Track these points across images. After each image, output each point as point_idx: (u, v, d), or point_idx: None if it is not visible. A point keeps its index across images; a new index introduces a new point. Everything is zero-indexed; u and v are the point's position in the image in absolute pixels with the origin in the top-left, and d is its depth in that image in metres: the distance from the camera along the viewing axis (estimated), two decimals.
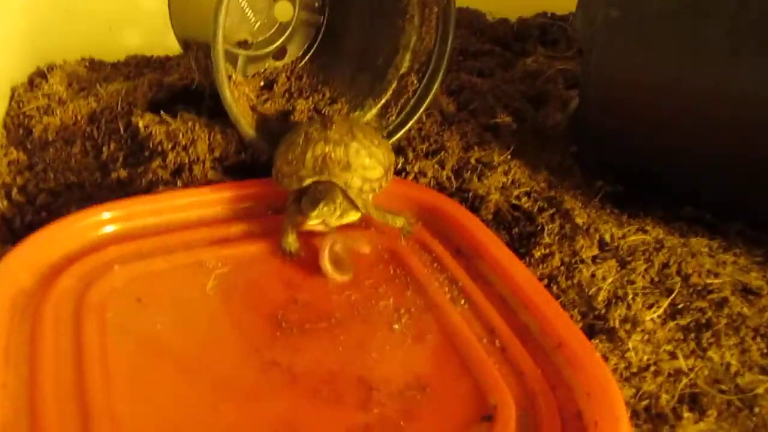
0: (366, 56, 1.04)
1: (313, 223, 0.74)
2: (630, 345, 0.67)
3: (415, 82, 0.98)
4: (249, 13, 1.05)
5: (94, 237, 0.74)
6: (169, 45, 1.16)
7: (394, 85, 1.00)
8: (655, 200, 0.88)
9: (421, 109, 0.97)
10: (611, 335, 0.69)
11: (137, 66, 1.18)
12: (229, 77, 0.85)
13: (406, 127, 0.97)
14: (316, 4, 1.10)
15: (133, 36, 1.23)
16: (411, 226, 0.79)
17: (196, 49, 0.89)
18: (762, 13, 0.69)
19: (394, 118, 0.98)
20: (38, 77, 1.10)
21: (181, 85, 1.01)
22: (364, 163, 0.77)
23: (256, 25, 1.07)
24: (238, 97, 0.88)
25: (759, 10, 0.70)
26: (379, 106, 1.00)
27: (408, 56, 0.99)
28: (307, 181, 0.75)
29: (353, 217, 0.78)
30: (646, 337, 0.69)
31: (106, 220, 0.75)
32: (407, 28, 0.99)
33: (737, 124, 0.74)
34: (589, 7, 0.79)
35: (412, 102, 0.98)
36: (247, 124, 0.85)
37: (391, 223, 0.78)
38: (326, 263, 0.72)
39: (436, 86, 0.98)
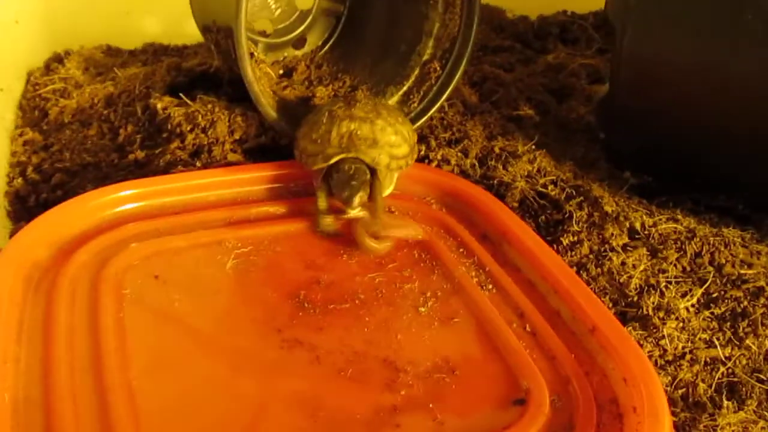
0: (388, 44, 1.02)
1: (355, 212, 0.73)
2: (665, 332, 0.65)
3: (438, 69, 0.96)
4: (270, 0, 1.04)
5: (111, 215, 0.72)
6: (187, 33, 1.14)
7: (416, 72, 0.98)
8: (684, 191, 0.86)
9: (444, 96, 0.95)
10: (645, 322, 0.66)
11: (155, 53, 1.16)
12: (251, 55, 0.83)
13: (428, 114, 0.94)
14: None
15: (151, 24, 1.22)
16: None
17: (216, 31, 0.87)
18: None
19: (416, 105, 0.96)
20: (54, 62, 1.09)
21: (199, 70, 1.00)
22: (390, 140, 0.75)
23: (277, 12, 1.05)
24: (260, 77, 0.86)
25: None
26: (400, 93, 0.97)
27: (431, 43, 0.97)
28: (334, 159, 0.73)
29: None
30: (681, 325, 0.66)
31: (123, 197, 0.73)
32: (431, 14, 0.97)
33: None
34: None
35: (434, 89, 0.96)
36: (268, 104, 0.83)
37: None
38: (363, 237, 0.71)
39: (459, 73, 0.95)
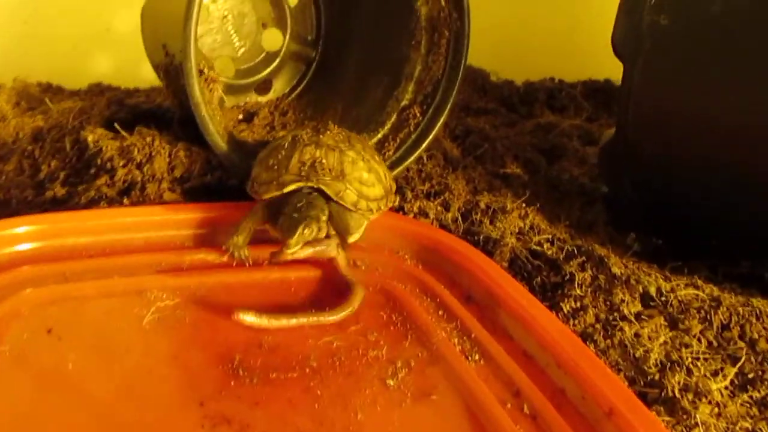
0: (362, 90, 0.91)
1: (292, 251, 0.59)
2: (698, 419, 0.51)
3: (418, 115, 0.85)
4: (233, 36, 0.93)
5: (5, 254, 0.58)
6: (140, 76, 1.03)
7: (393, 119, 0.86)
8: (698, 255, 0.73)
9: (424, 144, 0.84)
10: (672, 406, 0.53)
11: (100, 93, 1.04)
12: (201, 71, 0.71)
13: (406, 163, 0.83)
14: (309, 37, 0.97)
15: (100, 63, 1.10)
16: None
17: (166, 55, 0.75)
18: None
19: (391, 153, 0.84)
20: None
21: (145, 107, 0.87)
22: (361, 176, 0.63)
23: (240, 51, 0.94)
24: (210, 101, 0.73)
25: None
26: (374, 141, 0.86)
27: (411, 87, 0.86)
28: (289, 187, 0.61)
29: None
30: (716, 410, 0.53)
31: (21, 234, 0.60)
32: (412, 56, 0.86)
33: None
34: (633, 12, 0.66)
35: (413, 136, 0.84)
36: (217, 132, 0.70)
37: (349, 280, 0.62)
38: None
39: (442, 120, 0.84)
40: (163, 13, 0.80)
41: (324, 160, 0.62)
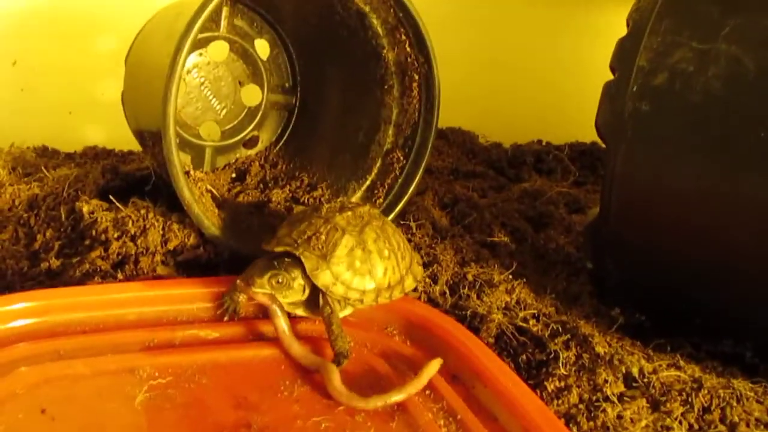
0: (345, 135, 0.93)
1: (256, 290, 0.63)
2: None
3: (402, 158, 0.87)
4: (213, 101, 0.95)
5: (0, 331, 0.58)
6: (133, 140, 1.04)
7: (378, 164, 0.89)
8: (683, 334, 0.75)
9: (412, 188, 0.86)
10: None
11: (96, 157, 1.06)
12: (187, 173, 0.73)
13: (397, 209, 0.85)
14: (287, 84, 1.00)
15: (93, 128, 1.12)
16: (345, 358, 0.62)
17: (152, 143, 0.78)
18: None
19: (381, 200, 0.86)
20: None
21: (139, 175, 0.89)
22: (353, 263, 0.66)
23: (223, 113, 0.97)
24: (200, 196, 0.76)
25: None
26: (363, 188, 0.88)
27: (391, 131, 0.89)
28: (279, 248, 0.64)
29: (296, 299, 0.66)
30: None
31: (17, 311, 0.60)
32: (387, 100, 0.89)
33: None
34: (615, 99, 0.68)
35: (400, 180, 0.87)
36: (212, 225, 0.73)
37: (331, 341, 0.64)
38: (338, 385, 0.58)
39: (424, 161, 0.87)
40: (141, 106, 0.82)
41: (322, 237, 0.64)
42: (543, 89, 1.47)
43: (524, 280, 0.81)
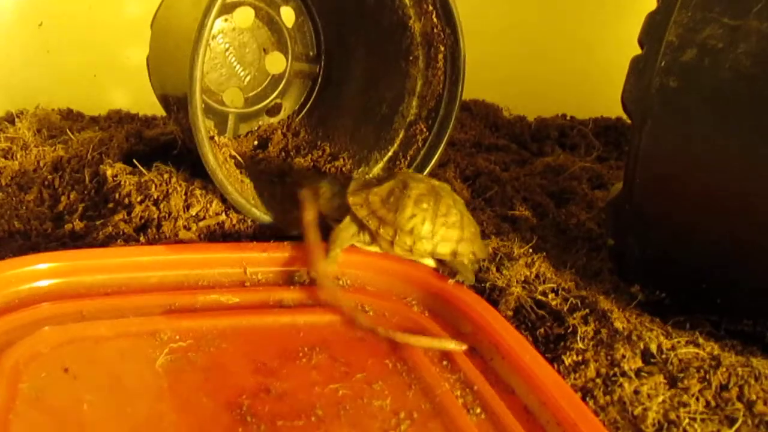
0: (369, 105, 0.93)
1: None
2: None
3: (425, 130, 0.87)
4: (237, 67, 0.95)
5: (25, 290, 0.60)
6: (157, 105, 1.05)
7: (401, 135, 0.89)
8: (703, 312, 0.74)
9: (434, 160, 0.87)
10: None
11: (120, 121, 1.06)
12: (212, 138, 0.73)
13: None
14: (311, 53, 1.00)
15: (118, 90, 1.13)
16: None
17: (177, 108, 0.78)
18: None
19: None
20: (5, 121, 0.98)
21: (163, 140, 0.89)
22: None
23: (247, 80, 0.96)
24: (224, 161, 0.76)
25: None
26: (385, 159, 0.88)
27: (415, 102, 0.89)
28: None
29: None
30: None
31: (42, 271, 0.61)
32: (412, 72, 0.89)
33: None
34: (642, 74, 0.67)
35: (422, 152, 0.87)
36: (235, 191, 0.73)
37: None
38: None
39: (447, 134, 0.87)
40: (166, 72, 0.82)
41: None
42: (569, 63, 1.46)
43: (544, 254, 0.81)
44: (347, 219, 0.73)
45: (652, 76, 0.67)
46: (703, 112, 0.65)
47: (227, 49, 0.96)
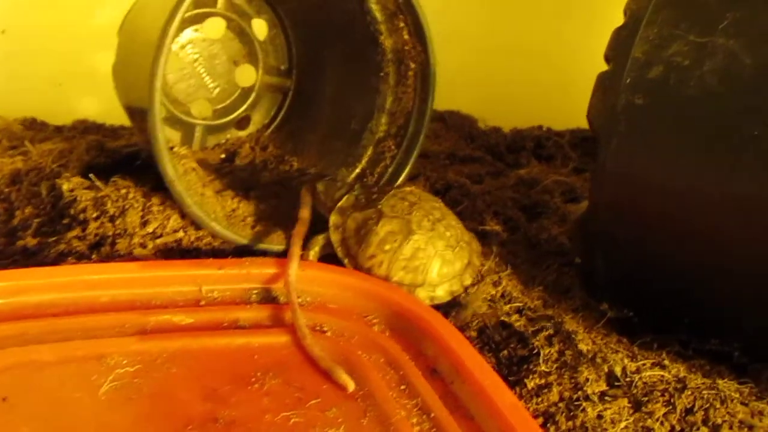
0: (338, 121, 0.92)
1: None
2: None
3: (393, 147, 0.86)
4: (206, 78, 0.93)
5: None
6: (124, 114, 1.03)
7: (369, 152, 0.88)
8: (670, 332, 0.73)
9: (401, 178, 0.85)
10: None
11: (85, 131, 1.04)
12: (171, 148, 0.71)
13: None
14: (282, 67, 0.98)
15: (85, 100, 1.10)
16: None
17: (140, 118, 0.76)
18: None
19: None
20: None
21: (126, 152, 0.87)
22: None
23: (215, 91, 0.95)
24: (184, 173, 0.74)
25: None
26: (353, 175, 0.86)
27: (384, 119, 0.88)
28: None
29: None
30: None
31: None
32: (382, 88, 0.87)
33: None
34: (608, 91, 0.66)
35: (390, 170, 0.86)
36: (194, 203, 0.71)
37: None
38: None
39: (416, 151, 0.87)
40: (131, 79, 0.81)
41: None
42: (545, 74, 1.44)
43: (513, 271, 0.80)
44: (326, 233, 0.74)
45: (618, 93, 0.66)
46: (668, 131, 0.64)
47: (196, 60, 0.95)
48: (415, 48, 0.85)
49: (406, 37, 0.85)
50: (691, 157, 0.63)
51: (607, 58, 0.67)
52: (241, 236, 0.74)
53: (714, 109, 0.62)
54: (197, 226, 0.73)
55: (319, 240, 0.75)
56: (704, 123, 0.63)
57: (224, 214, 0.78)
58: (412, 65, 0.85)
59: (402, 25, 0.84)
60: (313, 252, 0.74)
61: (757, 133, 0.59)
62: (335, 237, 0.74)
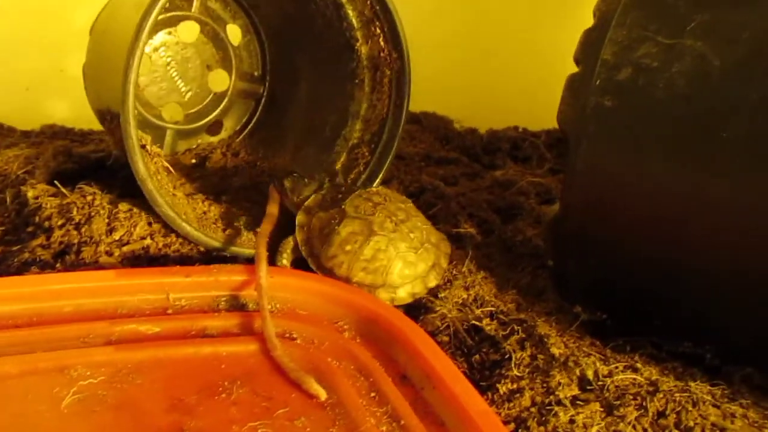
0: (312, 128, 0.91)
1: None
2: None
3: (367, 154, 0.85)
4: (179, 82, 0.92)
5: None
6: (94, 118, 1.01)
7: (343, 158, 0.87)
8: (642, 333, 0.73)
9: (375, 184, 0.84)
10: None
11: (53, 136, 1.02)
12: (143, 146, 0.70)
13: None
14: (256, 73, 0.97)
15: (54, 104, 1.08)
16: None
17: (110, 118, 0.75)
18: None
19: None
20: None
21: (94, 157, 0.86)
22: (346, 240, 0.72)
23: (187, 95, 0.94)
24: (156, 172, 0.73)
25: None
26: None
27: (358, 125, 0.87)
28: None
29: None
30: None
31: None
32: (357, 95, 0.87)
33: (753, 242, 0.60)
34: (578, 93, 0.65)
35: (363, 177, 0.85)
36: (165, 203, 0.70)
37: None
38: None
39: (390, 158, 0.86)
40: (102, 80, 0.80)
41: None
42: (521, 75, 1.44)
43: (487, 274, 0.80)
44: (295, 234, 0.74)
45: (588, 95, 0.65)
46: (638, 133, 0.64)
47: (169, 63, 0.94)
48: (391, 55, 0.84)
49: (382, 44, 0.85)
50: (661, 159, 0.63)
51: (577, 60, 0.67)
52: (213, 239, 0.73)
53: (683, 111, 0.62)
54: (167, 228, 0.72)
55: (290, 242, 0.75)
56: (673, 125, 0.62)
57: (195, 216, 0.77)
58: (388, 72, 0.85)
59: (378, 32, 0.84)
60: (286, 255, 0.74)
61: (725, 135, 0.59)
62: (300, 236, 0.74)
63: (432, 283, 0.73)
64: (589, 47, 0.66)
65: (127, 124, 0.67)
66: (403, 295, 0.72)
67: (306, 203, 0.75)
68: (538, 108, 1.38)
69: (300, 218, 0.75)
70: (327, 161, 0.88)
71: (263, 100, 0.98)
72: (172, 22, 0.92)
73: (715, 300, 0.65)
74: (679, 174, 0.62)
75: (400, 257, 0.71)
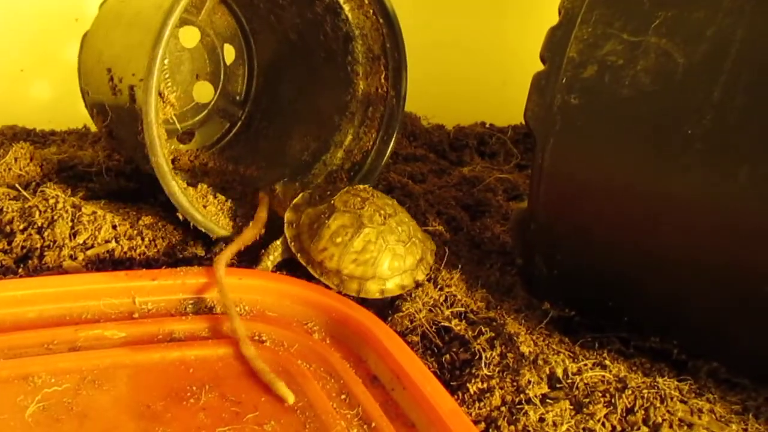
0: (289, 154, 0.92)
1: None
2: None
3: (345, 179, 0.85)
4: (168, 81, 0.91)
5: None
6: (56, 118, 1.00)
7: (320, 181, 0.86)
8: (610, 329, 0.73)
9: None
10: None
11: (14, 137, 1.00)
12: (160, 93, 0.69)
13: None
14: (238, 98, 0.97)
15: (14, 104, 1.06)
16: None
17: (112, 87, 0.73)
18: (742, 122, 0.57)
19: None
20: None
21: (57, 159, 0.84)
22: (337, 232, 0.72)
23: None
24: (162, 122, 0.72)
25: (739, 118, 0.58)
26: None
27: (340, 154, 0.88)
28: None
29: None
30: None
31: None
32: (344, 126, 0.87)
33: (718, 238, 0.61)
34: (544, 92, 0.66)
35: None
36: (163, 156, 0.70)
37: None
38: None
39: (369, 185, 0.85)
40: (114, 37, 0.78)
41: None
42: (487, 70, 1.45)
43: (456, 272, 0.80)
44: (283, 237, 0.75)
45: (554, 93, 0.66)
46: (604, 130, 0.64)
47: (166, 59, 0.93)
48: (389, 93, 0.85)
49: (382, 81, 0.85)
50: (627, 156, 0.63)
51: (543, 58, 0.67)
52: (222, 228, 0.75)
53: (648, 108, 0.62)
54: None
55: (278, 246, 0.75)
56: (639, 122, 0.63)
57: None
58: (381, 108, 0.85)
59: (382, 69, 0.85)
60: (271, 258, 0.75)
61: (690, 132, 0.60)
62: (289, 233, 0.74)
63: (420, 277, 0.74)
64: (554, 45, 0.66)
65: (153, 62, 0.66)
66: (392, 287, 0.72)
67: (294, 201, 0.76)
68: (505, 104, 1.39)
69: (289, 215, 0.75)
70: (302, 181, 0.87)
71: (239, 124, 0.98)
72: (180, 23, 0.92)
73: (681, 294, 0.66)
74: (645, 170, 0.63)
75: (390, 249, 0.72)
